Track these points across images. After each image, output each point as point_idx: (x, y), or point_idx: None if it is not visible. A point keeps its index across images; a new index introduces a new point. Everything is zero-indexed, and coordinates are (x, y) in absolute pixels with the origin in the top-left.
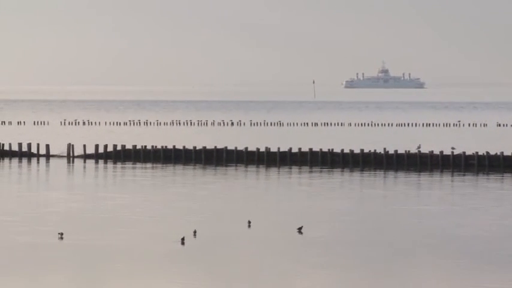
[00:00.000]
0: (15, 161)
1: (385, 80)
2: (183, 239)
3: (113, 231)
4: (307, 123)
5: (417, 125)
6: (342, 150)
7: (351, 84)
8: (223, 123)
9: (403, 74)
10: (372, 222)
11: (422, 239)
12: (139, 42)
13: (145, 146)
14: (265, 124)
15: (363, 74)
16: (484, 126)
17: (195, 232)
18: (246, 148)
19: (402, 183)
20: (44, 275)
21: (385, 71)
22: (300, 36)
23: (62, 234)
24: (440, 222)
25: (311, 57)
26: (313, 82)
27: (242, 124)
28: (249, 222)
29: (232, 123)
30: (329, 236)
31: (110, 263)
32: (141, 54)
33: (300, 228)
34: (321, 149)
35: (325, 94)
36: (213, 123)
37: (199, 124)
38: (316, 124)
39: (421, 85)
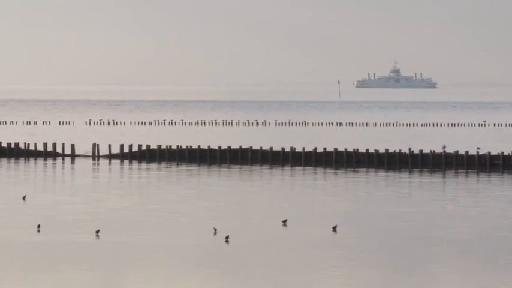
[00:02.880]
0: (40, 160)
1: (396, 79)
2: (227, 237)
3: (148, 229)
4: (332, 123)
5: (442, 124)
6: (367, 150)
7: (362, 84)
8: (248, 123)
9: (415, 74)
10: (403, 223)
11: (450, 241)
12: (165, 42)
13: (171, 146)
14: (290, 124)
15: (374, 73)
16: (509, 126)
17: (215, 230)
18: (271, 148)
19: (428, 183)
20: (81, 272)
21: (397, 71)
22: (319, 37)
23: (98, 231)
24: (469, 224)
25: (323, 57)
26: (338, 82)
27: (267, 124)
28: (284, 221)
29: (257, 123)
30: (362, 236)
31: (154, 260)
32: (167, 54)
33: (334, 228)
34: (345, 149)
35: (337, 94)
36: (238, 123)
37: (224, 124)
38: (341, 124)
39: (433, 85)
